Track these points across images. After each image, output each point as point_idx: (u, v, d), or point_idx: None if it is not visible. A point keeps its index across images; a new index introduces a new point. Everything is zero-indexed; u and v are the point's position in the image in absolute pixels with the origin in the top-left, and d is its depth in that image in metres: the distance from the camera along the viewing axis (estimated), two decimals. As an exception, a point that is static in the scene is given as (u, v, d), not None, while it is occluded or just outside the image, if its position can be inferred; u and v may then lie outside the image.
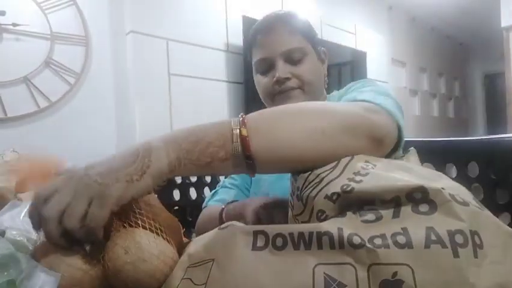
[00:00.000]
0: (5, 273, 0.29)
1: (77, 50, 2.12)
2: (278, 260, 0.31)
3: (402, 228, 0.28)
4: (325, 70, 0.86)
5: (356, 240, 0.29)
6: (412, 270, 0.26)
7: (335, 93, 0.84)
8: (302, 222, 0.38)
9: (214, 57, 2.55)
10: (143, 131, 2.18)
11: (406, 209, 0.30)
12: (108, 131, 2.25)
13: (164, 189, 1.02)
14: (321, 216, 0.35)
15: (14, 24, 1.91)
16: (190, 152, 0.40)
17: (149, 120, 2.22)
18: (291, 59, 0.77)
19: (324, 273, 0.28)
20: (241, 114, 0.44)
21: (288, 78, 0.76)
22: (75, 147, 2.07)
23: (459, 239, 0.27)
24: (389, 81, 3.98)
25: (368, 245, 0.28)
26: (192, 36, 2.42)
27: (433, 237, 0.27)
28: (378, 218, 0.30)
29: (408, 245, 0.27)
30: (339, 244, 0.29)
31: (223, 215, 0.69)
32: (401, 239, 0.28)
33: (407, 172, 0.35)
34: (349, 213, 0.32)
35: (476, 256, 0.27)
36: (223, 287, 0.31)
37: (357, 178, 0.35)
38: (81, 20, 2.12)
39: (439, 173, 0.37)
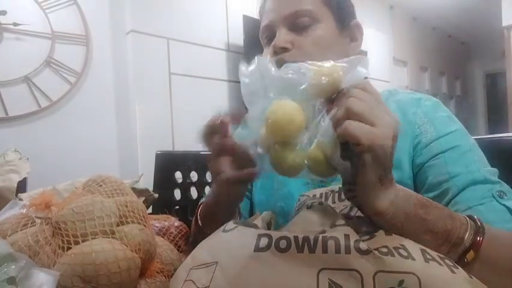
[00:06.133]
0: (4, 272, 0.29)
1: (78, 49, 2.12)
2: (281, 261, 0.30)
3: (401, 245, 0.30)
4: (354, 50, 0.66)
5: (363, 246, 0.29)
6: (419, 279, 0.26)
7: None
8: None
9: (214, 56, 2.55)
10: (143, 130, 2.19)
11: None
12: (108, 130, 2.25)
13: (165, 189, 1.02)
14: None
15: (15, 24, 1.91)
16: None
17: (149, 120, 2.22)
18: (296, 25, 0.61)
19: (329, 279, 0.28)
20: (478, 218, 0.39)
21: (285, 49, 0.60)
22: (75, 146, 2.07)
23: (449, 262, 0.30)
24: (390, 80, 3.98)
25: (375, 252, 0.28)
26: (192, 35, 2.42)
27: (428, 256, 0.29)
28: (372, 236, 0.32)
29: (411, 257, 0.28)
30: (345, 249, 0.29)
31: (199, 215, 0.60)
32: (403, 252, 0.29)
33: None
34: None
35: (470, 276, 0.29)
36: None
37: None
38: (81, 19, 2.12)
39: None
